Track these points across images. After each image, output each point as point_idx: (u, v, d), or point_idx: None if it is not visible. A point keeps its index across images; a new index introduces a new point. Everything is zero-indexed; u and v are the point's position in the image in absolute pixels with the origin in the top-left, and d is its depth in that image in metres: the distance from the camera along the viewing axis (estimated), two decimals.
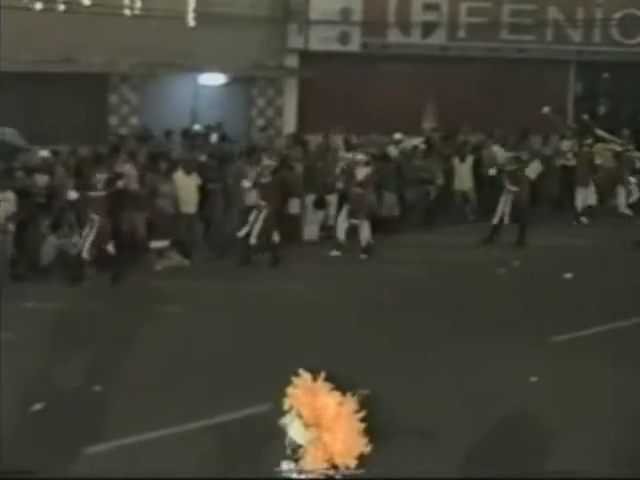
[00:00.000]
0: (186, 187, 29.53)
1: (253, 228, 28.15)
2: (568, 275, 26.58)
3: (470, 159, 35.04)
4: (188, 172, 29.84)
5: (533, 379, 18.80)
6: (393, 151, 35.39)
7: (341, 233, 29.71)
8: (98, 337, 21.39)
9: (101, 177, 27.24)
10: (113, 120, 37.41)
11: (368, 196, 30.06)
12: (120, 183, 27.43)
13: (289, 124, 39.34)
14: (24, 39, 32.53)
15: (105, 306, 24.11)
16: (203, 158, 31.99)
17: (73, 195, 26.91)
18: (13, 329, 21.26)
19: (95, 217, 26.70)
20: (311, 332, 21.51)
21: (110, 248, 26.80)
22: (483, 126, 37.29)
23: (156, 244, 28.15)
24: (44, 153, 30.84)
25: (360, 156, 30.51)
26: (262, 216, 28.07)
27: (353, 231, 29.58)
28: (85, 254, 26.55)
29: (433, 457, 15.29)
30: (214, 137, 35.85)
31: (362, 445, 9.88)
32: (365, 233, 29.32)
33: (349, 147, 34.84)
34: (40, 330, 21.92)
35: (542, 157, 36.39)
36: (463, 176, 34.91)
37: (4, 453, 15.46)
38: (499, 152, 35.37)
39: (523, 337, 21.10)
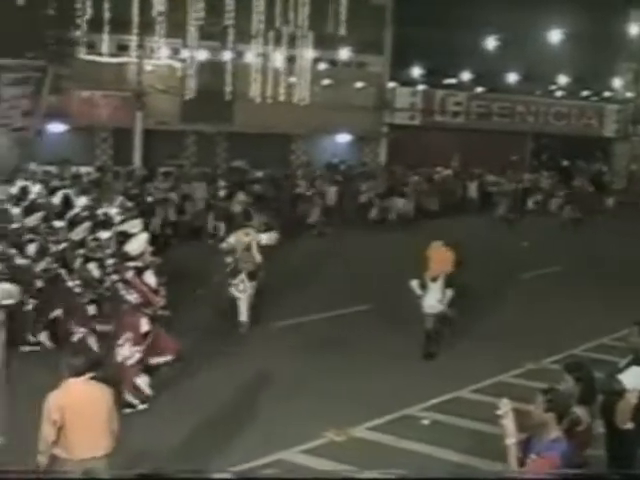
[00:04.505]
0: (329, 192, 29.77)
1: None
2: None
3: (476, 181, 34.90)
4: (330, 184, 30.10)
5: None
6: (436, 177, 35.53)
7: None
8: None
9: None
10: (292, 157, 37.71)
11: None
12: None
13: (382, 161, 39.40)
14: (251, 116, 32.92)
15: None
16: (338, 177, 32.21)
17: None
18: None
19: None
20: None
21: None
22: (485, 165, 36.91)
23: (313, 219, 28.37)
24: (259, 174, 31.30)
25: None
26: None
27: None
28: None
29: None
30: (342, 166, 36.24)
31: None
32: None
33: (415, 173, 34.92)
34: None
35: (518, 180, 36.25)
36: (472, 189, 34.81)
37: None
38: (491, 178, 35.35)
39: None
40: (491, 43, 37.90)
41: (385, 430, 10.81)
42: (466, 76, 41.28)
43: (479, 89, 41.88)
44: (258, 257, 15.53)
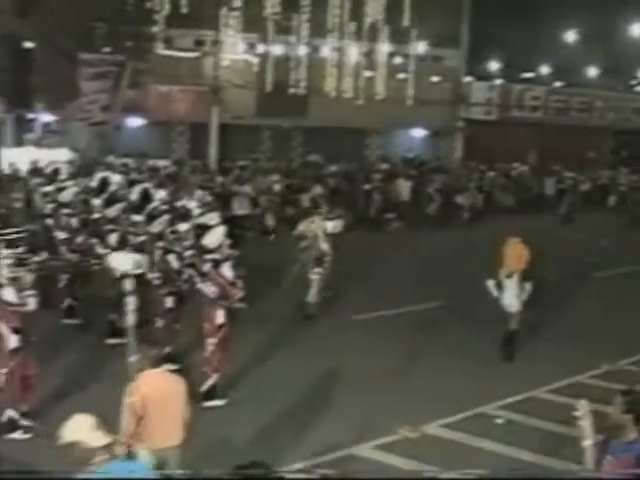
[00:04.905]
0: (402, 187, 29.64)
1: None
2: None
3: (554, 178, 34.33)
4: (405, 179, 29.99)
5: None
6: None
7: None
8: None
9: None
10: (367, 152, 37.72)
11: None
12: None
13: (457, 156, 39.12)
14: (326, 110, 32.98)
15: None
16: (412, 172, 32.05)
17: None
18: None
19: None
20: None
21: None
22: (562, 161, 36.21)
23: (388, 215, 28.33)
24: (333, 168, 31.38)
25: None
26: None
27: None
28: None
29: None
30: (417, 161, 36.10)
31: None
32: None
33: (491, 169, 34.57)
34: None
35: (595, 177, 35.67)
36: (549, 185, 34.29)
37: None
38: (569, 174, 34.66)
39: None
40: (571, 36, 37.37)
41: (458, 428, 10.80)
42: (544, 70, 40.76)
43: (558, 83, 41.31)
44: (324, 245, 16.12)
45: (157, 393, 7.76)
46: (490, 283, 13.67)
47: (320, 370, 12.58)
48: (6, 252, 10.81)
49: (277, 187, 27.00)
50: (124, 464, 6.03)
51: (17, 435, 10.09)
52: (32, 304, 10.38)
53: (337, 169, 31.09)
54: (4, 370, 10.15)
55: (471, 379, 12.50)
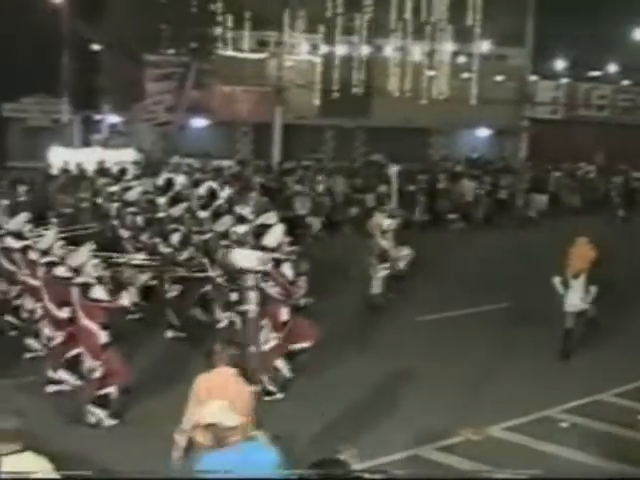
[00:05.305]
0: (466, 187, 29.39)
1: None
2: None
3: (621, 177, 33.63)
4: (469, 179, 29.70)
5: None
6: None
7: None
8: None
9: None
10: (431, 151, 37.49)
11: None
12: None
13: (522, 155, 38.68)
14: (389, 110, 32.88)
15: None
16: (475, 172, 31.70)
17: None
18: None
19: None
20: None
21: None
22: (630, 160, 35.42)
23: (451, 216, 28.16)
24: (395, 167, 31.19)
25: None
26: None
27: None
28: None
29: None
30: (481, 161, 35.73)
31: None
32: None
33: (557, 169, 34.06)
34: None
35: None
36: (618, 184, 33.61)
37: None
38: (636, 174, 33.93)
39: None
40: (639, 34, 36.65)
41: (523, 431, 10.70)
42: (612, 68, 40.05)
43: (625, 82, 40.56)
44: (383, 242, 16.61)
45: (225, 388, 7.84)
46: (556, 280, 13.68)
47: (384, 370, 12.57)
48: (91, 252, 11.25)
49: (320, 188, 26.91)
50: (257, 446, 6.30)
51: (103, 414, 10.47)
52: (127, 300, 10.90)
53: (400, 169, 30.88)
54: (98, 362, 10.55)
55: (537, 381, 12.38)
